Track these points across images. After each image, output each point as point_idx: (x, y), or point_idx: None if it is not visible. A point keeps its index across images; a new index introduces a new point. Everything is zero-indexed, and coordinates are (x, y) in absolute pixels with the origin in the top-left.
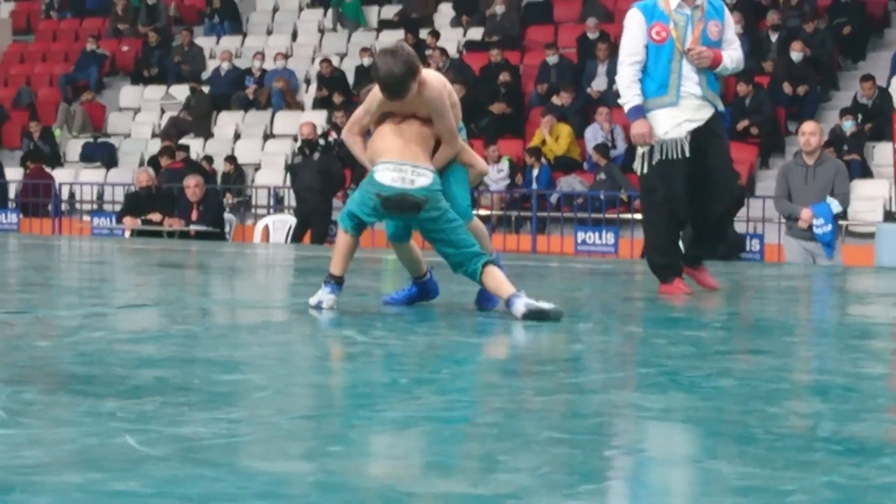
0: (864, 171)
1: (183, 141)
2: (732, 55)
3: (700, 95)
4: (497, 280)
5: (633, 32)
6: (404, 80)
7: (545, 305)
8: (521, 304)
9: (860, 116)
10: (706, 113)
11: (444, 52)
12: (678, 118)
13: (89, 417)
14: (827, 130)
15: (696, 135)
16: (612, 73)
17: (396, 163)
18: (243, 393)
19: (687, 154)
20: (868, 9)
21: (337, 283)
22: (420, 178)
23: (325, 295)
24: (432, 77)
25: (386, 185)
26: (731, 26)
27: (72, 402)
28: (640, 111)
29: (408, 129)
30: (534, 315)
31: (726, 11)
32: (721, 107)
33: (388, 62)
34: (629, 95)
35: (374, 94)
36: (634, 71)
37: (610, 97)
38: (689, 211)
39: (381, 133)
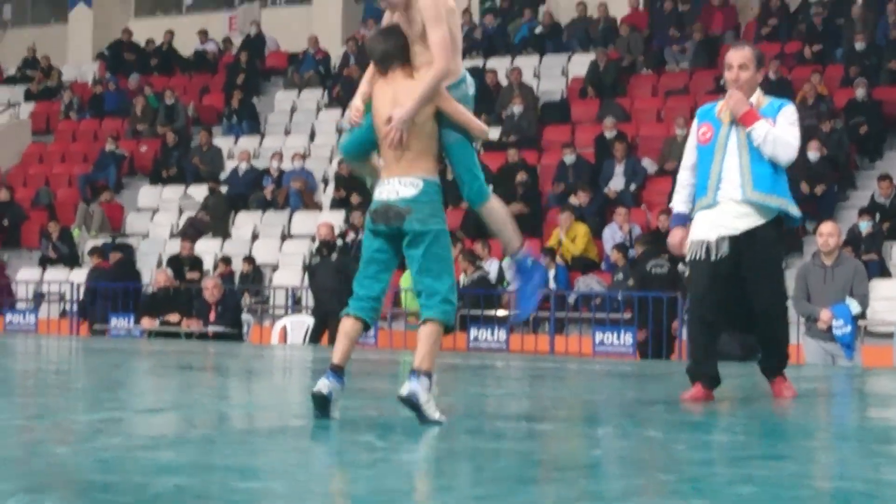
0: (883, 271)
1: (201, 241)
2: (771, 129)
3: (741, 199)
4: (428, 345)
5: (690, 136)
6: (387, 51)
7: (432, 414)
8: (412, 386)
9: (878, 216)
10: (748, 222)
11: None
12: (713, 221)
13: None
14: (845, 230)
15: (736, 241)
16: (628, 173)
17: (386, 179)
18: (262, 501)
19: (712, 256)
20: (884, 108)
21: (335, 371)
22: (405, 188)
23: (321, 380)
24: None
25: (375, 199)
26: (784, 119)
27: None
28: (677, 219)
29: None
30: (411, 407)
31: (785, 108)
32: (784, 208)
33: (375, 39)
34: (673, 202)
35: (367, 72)
36: (683, 176)
37: (627, 197)
38: (733, 318)
39: (380, 141)
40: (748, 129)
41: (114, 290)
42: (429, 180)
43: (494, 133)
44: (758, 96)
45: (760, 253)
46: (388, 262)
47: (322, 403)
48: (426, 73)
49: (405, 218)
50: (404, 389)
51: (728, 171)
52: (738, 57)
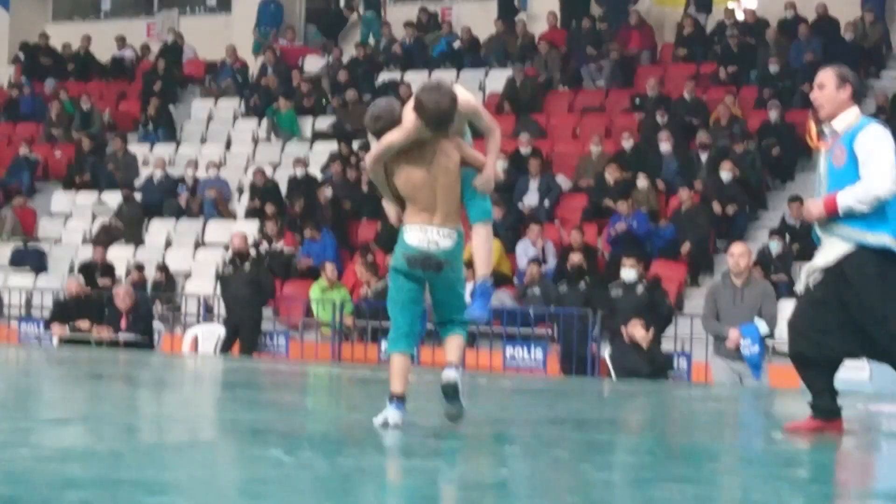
0: (792, 292)
1: (114, 248)
2: (855, 191)
3: (824, 231)
4: (461, 349)
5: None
6: (450, 113)
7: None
8: (453, 373)
9: (788, 237)
10: (833, 252)
11: None
12: (818, 253)
13: None
14: (755, 249)
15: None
16: (543, 189)
17: (423, 225)
18: None
19: (800, 289)
20: (797, 131)
21: (400, 400)
22: (444, 239)
23: (389, 413)
24: (461, 93)
25: (412, 245)
26: (861, 149)
27: None
28: None
29: (438, 177)
30: (450, 391)
31: (859, 135)
32: (872, 240)
33: (435, 97)
34: None
35: (409, 127)
36: None
37: (541, 212)
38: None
39: (411, 187)
40: (842, 213)
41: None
42: (460, 231)
43: None
44: (843, 118)
45: (858, 274)
46: (421, 299)
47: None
48: (492, 139)
49: (443, 269)
50: (447, 376)
51: None
52: (818, 76)
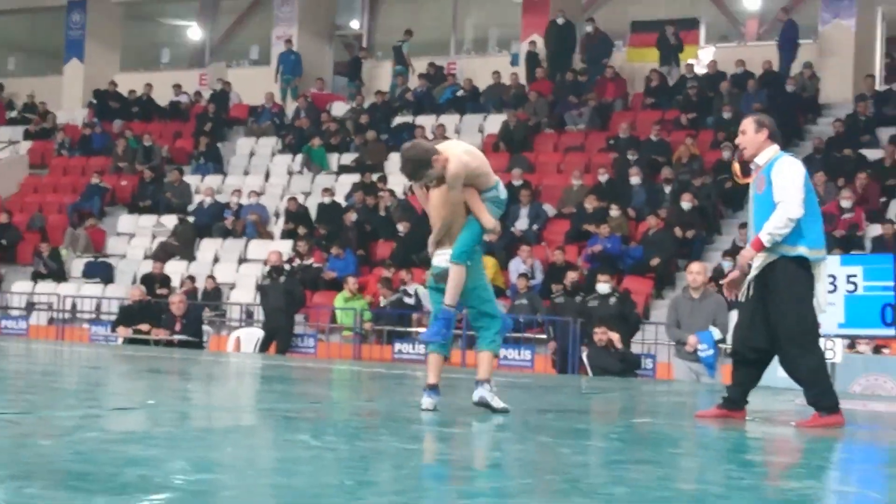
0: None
1: (170, 262)
2: (772, 222)
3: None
4: (485, 363)
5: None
6: (414, 171)
7: (496, 403)
8: (481, 392)
9: (737, 258)
10: (761, 263)
11: (392, 192)
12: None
13: None
14: (710, 269)
15: (759, 279)
16: (532, 216)
17: (442, 250)
18: (214, 492)
19: (740, 298)
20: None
21: (432, 389)
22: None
23: (425, 399)
24: (454, 157)
25: (436, 265)
26: (776, 177)
27: (67, 497)
28: None
29: (455, 210)
30: (483, 405)
31: (774, 167)
32: (790, 252)
33: (402, 159)
34: None
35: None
36: None
37: (530, 235)
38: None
39: (442, 219)
40: (767, 248)
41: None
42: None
43: None
44: (764, 154)
45: (776, 282)
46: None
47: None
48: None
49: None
50: (475, 396)
51: (751, 220)
52: (741, 124)
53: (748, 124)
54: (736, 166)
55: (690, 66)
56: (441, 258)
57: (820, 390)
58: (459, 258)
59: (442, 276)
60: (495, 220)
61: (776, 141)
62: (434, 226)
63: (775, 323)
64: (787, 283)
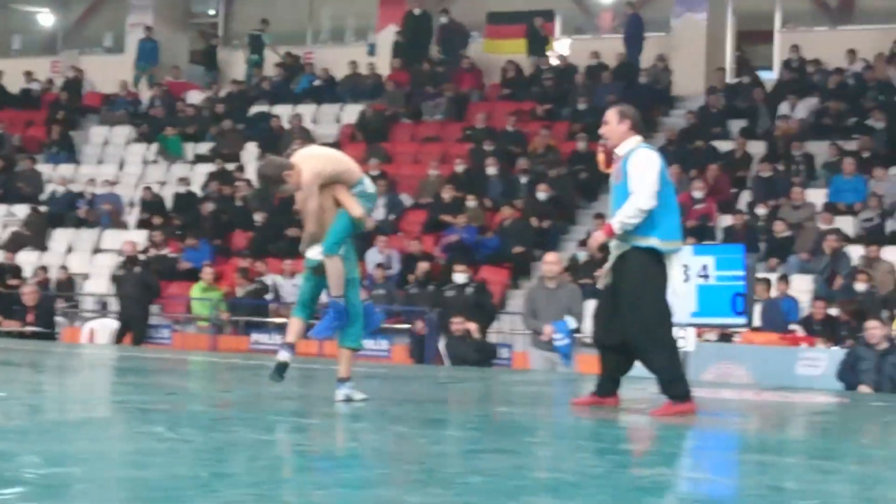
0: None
1: (22, 253)
2: (623, 211)
3: (614, 239)
4: (345, 361)
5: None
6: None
7: (357, 396)
8: (344, 391)
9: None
10: (615, 253)
11: (248, 182)
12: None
13: None
14: (566, 258)
15: (613, 270)
16: (389, 206)
17: (314, 244)
18: (67, 485)
19: (599, 286)
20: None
21: (290, 346)
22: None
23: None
24: (307, 168)
25: (310, 258)
26: (631, 169)
27: None
28: None
29: (323, 216)
30: (347, 400)
31: (629, 160)
32: (642, 242)
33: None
34: None
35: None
36: None
37: (387, 226)
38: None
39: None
40: (617, 235)
41: None
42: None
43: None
44: (624, 145)
45: (624, 270)
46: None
47: (282, 369)
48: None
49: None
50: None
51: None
52: (605, 115)
53: (611, 115)
54: (601, 156)
55: (545, 59)
56: (315, 251)
57: (672, 379)
58: (331, 249)
59: (318, 268)
60: (363, 209)
61: (638, 132)
62: (307, 227)
63: (627, 313)
64: (638, 273)
